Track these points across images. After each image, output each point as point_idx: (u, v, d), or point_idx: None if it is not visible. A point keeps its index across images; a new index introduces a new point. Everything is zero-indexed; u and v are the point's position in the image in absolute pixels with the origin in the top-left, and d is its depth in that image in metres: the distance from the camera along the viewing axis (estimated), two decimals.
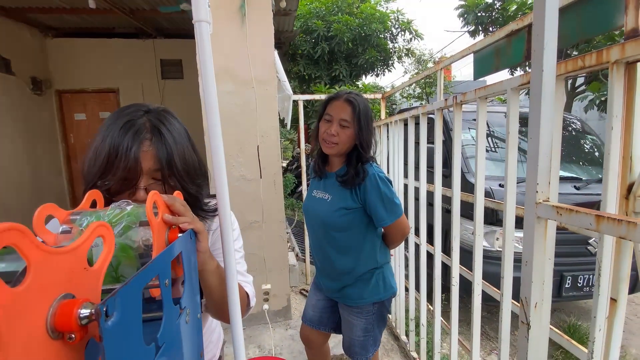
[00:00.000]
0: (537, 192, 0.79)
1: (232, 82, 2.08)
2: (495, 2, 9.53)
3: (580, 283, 2.45)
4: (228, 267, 0.65)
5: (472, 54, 1.53)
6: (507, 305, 1.19)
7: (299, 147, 10.24)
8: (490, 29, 10.10)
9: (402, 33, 7.88)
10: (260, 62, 2.11)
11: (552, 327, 1.05)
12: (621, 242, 0.86)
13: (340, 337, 1.48)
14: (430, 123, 1.84)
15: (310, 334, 1.51)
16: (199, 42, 0.60)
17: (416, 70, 14.17)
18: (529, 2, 8.81)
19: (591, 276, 2.45)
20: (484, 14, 9.68)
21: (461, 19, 9.84)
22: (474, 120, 1.30)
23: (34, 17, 4.49)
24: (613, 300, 0.90)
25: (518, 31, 1.24)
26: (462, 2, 9.53)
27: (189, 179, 0.74)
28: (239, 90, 2.09)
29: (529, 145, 0.80)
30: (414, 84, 13.19)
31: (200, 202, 0.79)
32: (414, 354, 2.16)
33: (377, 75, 8.85)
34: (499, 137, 2.79)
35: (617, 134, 0.80)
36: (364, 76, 8.02)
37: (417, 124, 1.99)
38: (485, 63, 1.43)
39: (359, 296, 1.32)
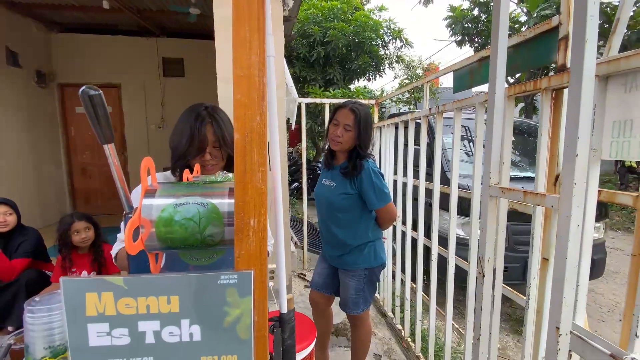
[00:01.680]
0: (490, 178, 1.13)
1: None
2: (481, 14, 10.05)
3: None
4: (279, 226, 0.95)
5: (452, 72, 1.87)
6: (473, 270, 1.53)
7: (291, 146, 10.49)
8: (476, 39, 10.65)
9: (394, 41, 8.28)
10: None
11: (504, 285, 1.38)
12: (549, 217, 1.20)
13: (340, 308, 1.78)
14: (417, 127, 2.18)
15: (317, 296, 1.81)
16: (269, 72, 0.89)
17: (405, 76, 14.68)
18: (512, 16, 9.38)
19: None
20: (470, 25, 10.20)
21: (449, 29, 10.34)
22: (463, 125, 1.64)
23: (40, 12, 4.63)
24: (545, 260, 1.23)
25: (486, 57, 1.58)
26: (450, 14, 10.03)
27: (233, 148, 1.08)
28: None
29: (486, 145, 1.14)
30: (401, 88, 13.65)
31: None
32: (399, 326, 2.49)
33: (368, 80, 9.23)
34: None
35: (545, 139, 1.14)
36: (356, 80, 8.38)
37: (405, 128, 2.33)
38: (462, 80, 1.77)
39: (354, 262, 1.64)
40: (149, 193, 0.50)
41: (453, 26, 10.30)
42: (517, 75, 6.70)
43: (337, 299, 1.86)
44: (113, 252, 1.05)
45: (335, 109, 1.64)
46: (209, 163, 1.06)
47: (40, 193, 4.88)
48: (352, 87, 8.20)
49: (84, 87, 0.51)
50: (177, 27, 5.28)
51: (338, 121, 1.59)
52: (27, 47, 4.68)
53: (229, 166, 1.15)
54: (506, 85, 1.26)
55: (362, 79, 8.70)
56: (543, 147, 1.15)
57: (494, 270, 1.21)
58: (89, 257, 2.11)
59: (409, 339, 2.31)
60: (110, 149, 0.55)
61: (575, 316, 1.00)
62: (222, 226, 0.51)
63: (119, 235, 1.07)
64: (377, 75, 8.37)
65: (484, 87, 1.61)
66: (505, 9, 1.08)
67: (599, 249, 3.04)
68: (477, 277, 1.24)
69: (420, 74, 14.51)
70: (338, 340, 2.33)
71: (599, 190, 0.98)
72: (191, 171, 1.01)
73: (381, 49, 8.04)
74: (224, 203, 0.51)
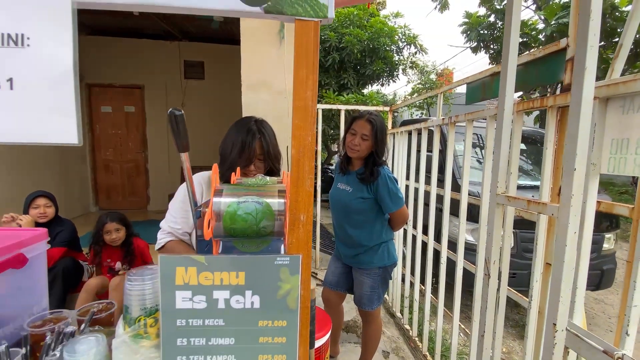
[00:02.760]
0: (497, 187, 1.23)
1: (268, 92, 2.51)
2: (497, 21, 10.01)
3: None
4: None
5: (465, 85, 1.96)
6: (480, 273, 1.62)
7: None
8: (492, 46, 10.62)
9: (408, 47, 8.35)
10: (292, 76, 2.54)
11: (508, 288, 1.47)
12: (553, 225, 1.28)
13: (350, 306, 1.89)
14: (430, 135, 2.28)
15: (330, 294, 1.93)
16: None
17: (419, 81, 14.67)
18: (529, 22, 9.34)
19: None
20: (486, 32, 10.19)
21: (464, 35, 10.35)
22: (476, 134, 1.74)
23: None
24: (548, 265, 1.32)
25: (498, 72, 1.67)
26: (466, 20, 10.04)
27: (276, 161, 1.18)
28: (274, 99, 2.52)
29: (494, 156, 1.24)
30: (415, 94, 13.66)
31: (278, 175, 1.23)
32: (407, 327, 2.58)
33: (382, 85, 9.31)
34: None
35: (550, 152, 1.24)
36: (369, 85, 8.47)
37: (419, 135, 2.43)
38: (474, 93, 1.87)
39: (369, 261, 1.74)
40: (217, 192, 0.62)
41: (469, 32, 10.29)
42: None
43: (348, 297, 1.97)
44: (159, 244, 1.18)
45: (352, 119, 1.76)
46: (252, 173, 1.17)
47: (66, 186, 5.13)
48: (365, 91, 8.30)
49: (171, 109, 0.64)
50: (199, 32, 5.49)
51: (355, 131, 1.70)
52: None
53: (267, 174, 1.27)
54: (517, 100, 1.36)
55: (375, 84, 8.80)
56: (548, 160, 1.24)
57: (499, 273, 1.31)
58: (121, 251, 2.28)
59: (417, 339, 2.40)
60: (185, 157, 0.67)
61: (573, 316, 1.09)
62: (273, 220, 0.63)
63: (162, 229, 1.21)
64: (391, 81, 8.44)
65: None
66: (516, 32, 1.18)
67: (609, 259, 3.06)
68: (483, 279, 1.33)
69: (434, 79, 14.49)
70: (348, 337, 2.43)
71: (597, 202, 1.07)
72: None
73: (395, 54, 8.12)
74: (275, 202, 0.64)
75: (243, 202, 0.62)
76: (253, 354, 0.56)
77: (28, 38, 0.48)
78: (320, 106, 3.18)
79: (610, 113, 1.01)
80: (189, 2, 0.51)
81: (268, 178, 0.89)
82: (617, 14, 5.99)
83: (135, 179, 5.87)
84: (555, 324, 0.97)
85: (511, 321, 3.15)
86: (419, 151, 2.40)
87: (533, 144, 3.78)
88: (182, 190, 1.21)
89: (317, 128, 3.36)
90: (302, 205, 0.55)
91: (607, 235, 3.06)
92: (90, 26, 5.37)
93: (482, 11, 9.97)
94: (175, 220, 1.20)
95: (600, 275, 2.98)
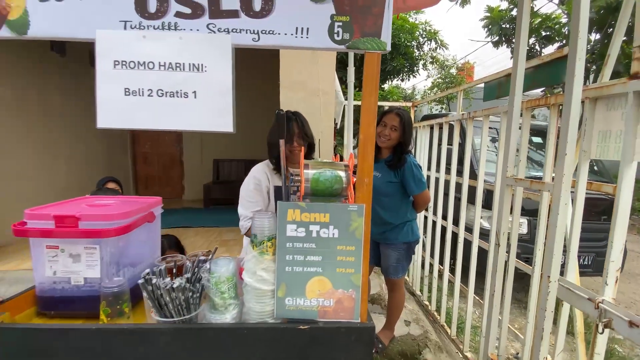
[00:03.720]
0: (507, 170, 1.49)
1: (304, 91, 2.81)
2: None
3: (583, 262, 3.11)
4: None
5: (483, 84, 2.20)
6: (493, 245, 1.88)
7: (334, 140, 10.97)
8: (514, 40, 10.51)
9: (429, 42, 8.46)
10: (324, 77, 2.83)
11: (517, 260, 1.72)
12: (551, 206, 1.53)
13: (375, 283, 2.16)
14: (450, 129, 2.52)
15: None
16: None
17: (439, 75, 14.63)
18: (552, 16, 9.22)
19: (593, 256, 3.08)
20: (508, 26, 10.10)
21: (486, 29, 10.29)
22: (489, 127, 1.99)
23: None
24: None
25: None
26: (487, 14, 9.98)
27: (312, 138, 1.53)
28: (309, 97, 2.82)
29: (504, 146, 1.50)
30: (436, 89, 13.64)
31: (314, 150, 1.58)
32: (426, 302, 2.85)
33: (402, 80, 9.47)
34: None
35: (552, 142, 1.48)
36: (390, 80, 8.66)
37: (440, 129, 2.67)
38: (491, 91, 2.10)
39: (395, 237, 2.03)
40: (305, 166, 0.93)
41: (490, 27, 10.22)
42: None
43: (375, 270, 2.25)
44: (245, 229, 1.51)
45: (382, 113, 2.04)
46: (296, 149, 1.50)
47: (112, 174, 5.64)
48: (385, 86, 8.49)
49: (277, 110, 0.94)
50: None
51: (386, 123, 1.98)
52: None
53: (308, 152, 1.58)
54: (541, 94, 1.61)
55: (395, 79, 8.96)
56: (550, 149, 1.49)
57: (509, 245, 1.57)
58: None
59: (435, 312, 2.68)
60: (281, 143, 0.97)
61: (566, 274, 1.34)
62: (342, 185, 0.93)
63: (243, 215, 1.51)
64: (411, 76, 8.60)
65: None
66: (524, 40, 1.43)
67: None
68: (494, 248, 1.60)
69: (454, 74, 14.39)
70: (373, 308, 2.74)
71: (588, 182, 1.32)
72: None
73: (416, 50, 8.27)
74: (342, 173, 0.94)
75: (322, 172, 0.93)
76: (333, 267, 0.87)
77: (205, 66, 0.79)
78: (348, 102, 3.46)
79: (598, 110, 1.25)
80: (293, 42, 0.81)
81: (331, 160, 1.20)
82: None
83: (171, 171, 6.34)
84: (549, 277, 1.24)
85: (523, 303, 3.36)
86: (439, 144, 2.65)
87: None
88: (250, 179, 1.53)
89: (344, 122, 3.64)
90: (367, 172, 0.85)
91: None
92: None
93: (504, 5, 9.87)
94: (253, 202, 1.51)
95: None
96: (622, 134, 1.15)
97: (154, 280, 0.84)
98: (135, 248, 1.12)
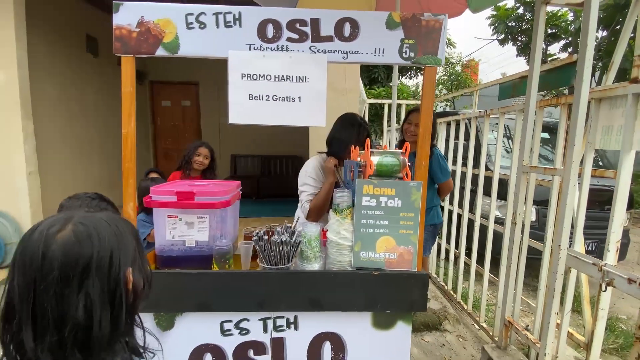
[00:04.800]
0: (523, 159, 1.75)
1: (333, 91, 3.08)
2: (526, 13, 10.04)
3: (588, 247, 3.35)
4: None
5: (498, 85, 2.46)
6: (508, 226, 2.15)
7: None
8: (520, 38, 10.68)
9: None
10: (351, 76, 3.10)
11: (530, 239, 1.98)
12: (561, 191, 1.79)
13: None
14: (464, 126, 2.78)
15: None
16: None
17: (444, 72, 14.81)
18: (558, 14, 9.39)
19: (598, 242, 3.34)
20: (514, 24, 10.27)
21: (492, 27, 10.47)
22: (497, 124, 2.25)
23: None
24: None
25: (525, 76, 2.17)
26: (494, 12, 10.16)
27: None
28: (337, 96, 3.08)
29: (521, 139, 1.76)
30: (440, 86, 13.83)
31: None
32: (442, 283, 3.13)
33: (410, 78, 9.69)
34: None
35: (562, 136, 1.74)
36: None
37: (457, 125, 2.93)
38: (506, 92, 2.36)
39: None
40: (372, 153, 1.21)
41: (497, 24, 10.39)
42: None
43: None
44: (307, 212, 1.73)
45: (408, 112, 2.30)
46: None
47: (137, 170, 5.94)
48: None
49: (352, 115, 1.21)
50: None
51: (411, 121, 2.24)
52: None
53: None
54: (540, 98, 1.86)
55: (403, 77, 9.19)
56: (560, 142, 1.75)
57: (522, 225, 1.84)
58: (201, 178, 2.62)
59: (452, 291, 2.95)
60: (353, 148, 1.24)
61: (574, 245, 1.61)
62: (400, 167, 1.21)
63: (303, 200, 1.75)
64: (420, 74, 8.83)
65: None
66: (539, 52, 1.69)
67: (623, 235, 3.47)
68: (510, 226, 1.87)
69: (459, 71, 14.55)
70: None
71: (593, 169, 1.58)
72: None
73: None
74: (401, 158, 1.21)
75: (384, 157, 1.20)
76: (396, 229, 1.14)
77: (308, 78, 1.06)
78: (370, 101, 3.73)
79: (602, 109, 1.51)
80: (372, 59, 1.08)
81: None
82: None
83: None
84: (559, 246, 1.51)
85: (531, 287, 3.63)
86: (456, 139, 2.91)
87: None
88: (311, 169, 1.73)
89: (365, 119, 3.92)
90: (424, 157, 1.13)
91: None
92: None
93: (511, 2, 10.04)
94: (312, 186, 1.72)
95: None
96: (622, 129, 1.41)
97: (265, 237, 1.12)
98: (230, 219, 1.40)
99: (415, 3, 2.10)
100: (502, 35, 10.45)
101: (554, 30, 9.57)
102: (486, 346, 1.97)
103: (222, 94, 6.67)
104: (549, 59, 9.51)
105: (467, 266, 2.76)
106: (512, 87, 2.32)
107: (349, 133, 1.64)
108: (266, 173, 6.58)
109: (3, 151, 3.05)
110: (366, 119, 3.85)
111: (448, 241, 3.13)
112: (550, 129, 4.22)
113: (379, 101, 3.85)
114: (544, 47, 10.06)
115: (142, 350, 0.62)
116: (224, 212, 1.30)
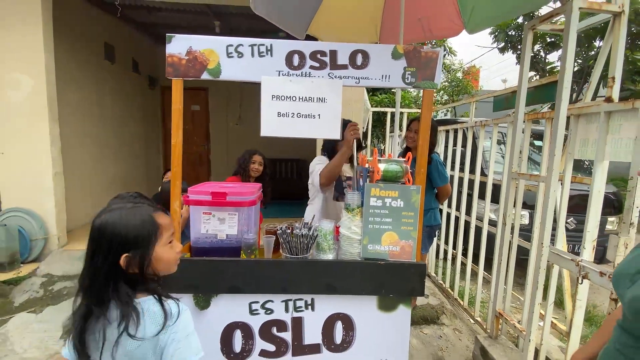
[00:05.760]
0: (512, 167, 1.96)
1: None
2: (526, 22, 10.25)
3: (573, 250, 3.53)
4: None
5: (492, 97, 2.67)
6: (500, 227, 2.35)
7: None
8: (519, 47, 10.92)
9: (431, 44, 8.91)
10: (356, 89, 3.31)
11: (519, 239, 2.19)
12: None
13: None
14: (462, 133, 2.99)
15: None
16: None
17: (445, 79, 15.07)
18: (558, 24, 9.61)
19: (574, 246, 3.52)
20: (514, 33, 10.51)
21: (492, 36, 10.71)
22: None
23: (153, 29, 5.83)
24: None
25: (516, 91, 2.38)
26: None
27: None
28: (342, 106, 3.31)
29: (510, 147, 1.97)
30: (441, 92, 14.05)
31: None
32: (441, 281, 3.33)
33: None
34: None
35: (546, 146, 1.95)
36: None
37: (455, 133, 3.14)
38: (499, 104, 2.58)
39: None
40: (379, 162, 1.42)
41: (497, 33, 10.62)
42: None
43: None
44: (315, 186, 1.95)
45: (410, 120, 2.52)
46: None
47: (147, 173, 6.18)
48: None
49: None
50: None
51: (412, 128, 2.46)
52: (143, 57, 5.94)
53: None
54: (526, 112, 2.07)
55: None
56: (545, 151, 1.96)
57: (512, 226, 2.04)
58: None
59: (449, 289, 3.15)
60: (361, 154, 1.45)
61: (556, 244, 1.81)
62: (402, 173, 1.42)
63: (314, 172, 1.96)
64: None
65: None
66: (526, 72, 1.91)
67: (606, 238, 3.67)
68: (501, 226, 2.07)
69: (460, 77, 14.78)
70: None
71: (573, 175, 1.78)
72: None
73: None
74: (403, 165, 1.43)
75: (390, 164, 1.42)
76: (399, 226, 1.35)
77: (326, 99, 1.28)
78: (373, 109, 3.94)
79: (580, 124, 1.72)
80: (380, 84, 1.30)
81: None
82: None
83: (199, 168, 6.85)
84: (542, 243, 1.71)
85: (521, 286, 3.81)
86: (455, 146, 3.12)
87: None
88: (316, 160, 1.98)
89: (368, 126, 4.13)
90: (422, 165, 1.34)
91: (610, 219, 3.67)
92: (163, 36, 6.32)
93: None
94: (322, 165, 1.95)
95: (603, 251, 3.61)
96: (597, 141, 1.62)
97: (287, 231, 1.33)
98: (253, 216, 1.61)
99: (416, 24, 2.32)
100: (502, 44, 10.69)
101: (553, 39, 9.81)
102: (479, 336, 2.17)
103: (231, 99, 6.91)
104: (548, 67, 9.76)
105: (463, 266, 2.96)
106: (505, 100, 2.54)
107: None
108: (271, 175, 6.79)
109: (32, 153, 3.28)
110: (370, 125, 4.08)
111: (446, 242, 3.33)
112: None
113: (382, 109, 4.06)
114: (543, 56, 10.31)
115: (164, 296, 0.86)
116: (250, 210, 1.51)
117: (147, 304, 0.83)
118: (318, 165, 1.99)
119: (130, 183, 5.55)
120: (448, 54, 9.07)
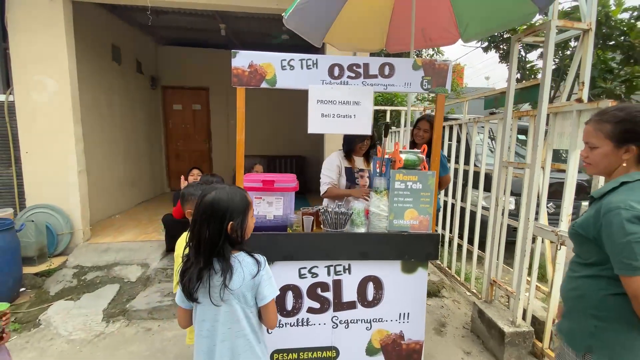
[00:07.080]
0: (503, 157, 2.33)
1: None
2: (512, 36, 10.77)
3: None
4: None
5: (483, 97, 3.04)
6: (493, 210, 2.73)
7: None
8: (502, 46, 11.49)
9: (426, 49, 9.32)
10: None
11: (509, 219, 2.56)
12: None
13: None
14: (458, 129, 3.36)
15: None
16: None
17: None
18: (537, 24, 10.18)
19: (554, 226, 3.97)
20: (496, 34, 11.03)
21: None
22: (482, 127, 2.83)
23: (156, 30, 5.97)
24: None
25: (504, 92, 2.76)
26: None
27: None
28: None
29: (499, 141, 2.34)
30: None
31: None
32: (438, 262, 3.71)
33: None
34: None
35: (530, 140, 2.32)
36: None
37: (450, 128, 3.51)
38: (490, 103, 2.95)
39: None
40: (400, 152, 1.74)
41: None
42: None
43: None
44: (323, 190, 2.29)
45: (417, 120, 2.86)
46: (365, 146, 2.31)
47: (152, 172, 6.34)
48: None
49: (385, 122, 1.73)
50: (257, 43, 6.54)
51: (419, 127, 2.80)
52: (145, 57, 6.09)
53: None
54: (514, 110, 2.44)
55: None
56: (529, 143, 2.33)
57: (504, 208, 2.41)
58: None
59: (447, 268, 3.53)
60: (385, 141, 1.76)
61: (539, 220, 2.19)
62: (419, 162, 1.75)
63: (323, 181, 2.30)
64: None
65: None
66: (514, 77, 2.27)
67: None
68: (494, 208, 2.45)
69: None
70: None
71: (552, 163, 2.16)
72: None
73: (415, 57, 9.10)
74: (419, 155, 1.76)
75: (409, 155, 1.75)
76: (418, 204, 1.68)
77: (360, 102, 1.59)
78: (373, 107, 4.28)
79: (557, 120, 2.10)
80: (403, 89, 1.62)
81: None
82: (611, 22, 6.92)
83: (201, 166, 7.03)
84: (528, 218, 2.08)
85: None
86: (450, 141, 3.49)
87: None
88: (333, 162, 2.29)
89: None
90: (436, 154, 1.68)
91: (584, 203, 4.13)
92: (166, 38, 6.49)
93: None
94: (331, 175, 2.30)
95: None
96: (571, 134, 1.99)
97: (328, 210, 1.65)
98: (294, 199, 1.92)
99: (419, 32, 2.65)
100: (486, 44, 11.22)
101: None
102: (476, 301, 2.54)
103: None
104: (528, 65, 10.38)
105: (460, 248, 3.33)
106: (495, 100, 2.91)
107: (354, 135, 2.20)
108: (271, 172, 7.09)
109: (59, 152, 3.46)
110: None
111: (444, 227, 3.71)
112: (526, 132, 4.89)
113: (380, 108, 4.40)
114: (524, 55, 10.92)
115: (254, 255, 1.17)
116: (292, 195, 1.82)
117: (242, 256, 1.14)
118: (326, 171, 2.29)
119: (137, 180, 5.72)
120: (436, 54, 9.50)
